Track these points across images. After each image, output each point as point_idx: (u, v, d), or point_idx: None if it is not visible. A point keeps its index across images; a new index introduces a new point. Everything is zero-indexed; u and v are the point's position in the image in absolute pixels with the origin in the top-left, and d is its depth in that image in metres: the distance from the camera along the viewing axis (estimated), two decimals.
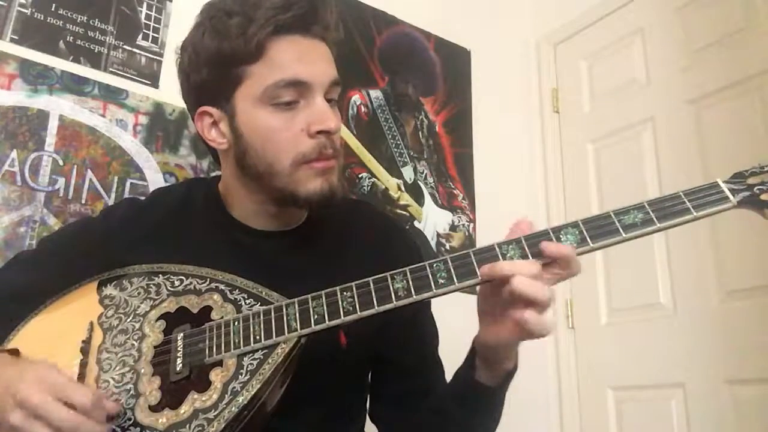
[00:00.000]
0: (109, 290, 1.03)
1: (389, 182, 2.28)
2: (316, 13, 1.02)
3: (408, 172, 2.34)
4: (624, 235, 0.80)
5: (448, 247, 2.34)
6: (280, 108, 0.99)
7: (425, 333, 1.17)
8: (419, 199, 2.34)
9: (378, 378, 1.16)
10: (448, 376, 1.06)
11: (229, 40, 0.98)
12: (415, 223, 2.29)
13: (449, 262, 0.84)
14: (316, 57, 1.02)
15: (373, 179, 2.25)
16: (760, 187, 0.80)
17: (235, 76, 0.99)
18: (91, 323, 1.00)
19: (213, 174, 1.34)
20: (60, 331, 1.02)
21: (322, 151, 1.00)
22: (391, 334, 1.09)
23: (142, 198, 1.21)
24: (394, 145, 2.34)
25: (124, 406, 0.88)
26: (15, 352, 0.97)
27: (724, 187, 0.80)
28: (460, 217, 2.43)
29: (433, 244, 2.31)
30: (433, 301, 0.93)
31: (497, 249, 0.83)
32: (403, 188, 2.31)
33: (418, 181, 2.36)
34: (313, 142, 0.99)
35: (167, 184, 1.75)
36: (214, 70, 1.01)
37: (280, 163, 0.99)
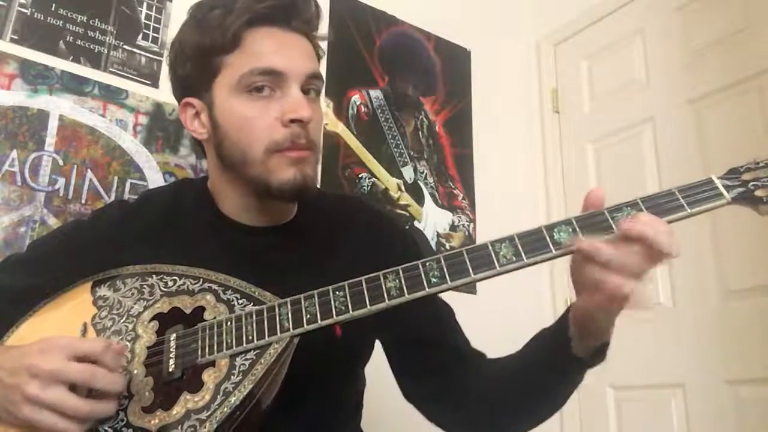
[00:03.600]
0: (103, 291, 1.03)
1: (389, 182, 2.28)
2: (295, 7, 1.03)
3: (408, 172, 2.34)
4: (616, 231, 0.80)
5: (448, 247, 2.34)
6: (254, 97, 1.00)
7: (440, 306, 1.16)
8: (419, 199, 2.34)
9: (409, 359, 1.14)
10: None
11: (208, 31, 1.01)
12: (415, 223, 2.29)
13: (442, 261, 0.84)
14: (293, 49, 1.03)
15: (373, 179, 2.25)
16: (755, 183, 0.79)
17: (213, 66, 1.02)
18: (85, 324, 1.00)
19: (201, 175, 1.34)
20: (54, 332, 1.00)
21: (295, 140, 1.00)
22: (407, 317, 1.08)
23: (132, 199, 1.21)
24: (394, 145, 2.34)
25: (117, 407, 0.88)
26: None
27: (718, 183, 0.80)
28: (460, 217, 2.43)
29: (433, 244, 2.31)
30: None
31: (490, 247, 0.83)
32: (403, 188, 2.31)
33: (418, 181, 2.36)
34: (287, 131, 1.00)
35: (162, 185, 1.76)
36: (196, 62, 1.04)
37: (252, 151, 1.00)
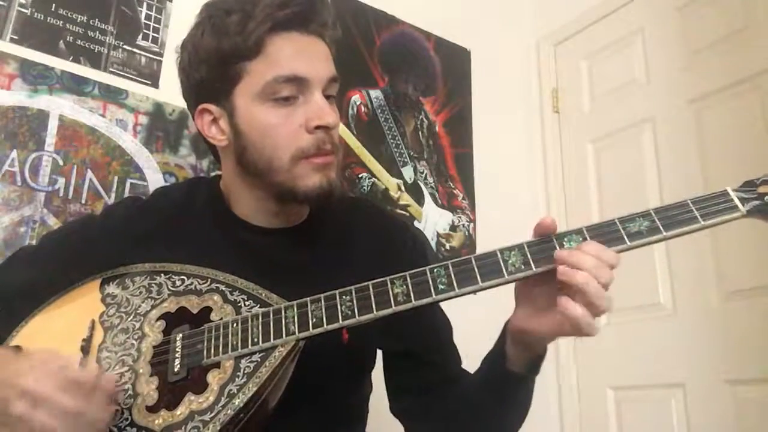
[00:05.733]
0: (111, 288, 1.04)
1: (389, 182, 2.28)
2: (314, 11, 1.03)
3: (408, 172, 2.34)
4: (628, 243, 0.80)
5: (448, 247, 2.34)
6: (278, 104, 1.00)
7: (437, 322, 1.16)
8: (419, 199, 2.34)
9: (397, 372, 1.15)
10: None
11: (227, 37, 0.99)
12: (415, 223, 2.29)
13: (450, 267, 0.83)
14: (314, 53, 1.03)
15: (373, 179, 2.25)
16: None
17: (234, 73, 1.01)
18: (93, 321, 1.00)
19: (214, 173, 1.34)
20: (62, 328, 1.02)
21: (321, 146, 1.00)
22: (402, 328, 1.08)
23: (144, 197, 1.21)
24: (394, 145, 2.34)
25: (122, 406, 0.88)
26: (17, 350, 0.97)
27: (733, 195, 0.79)
28: (460, 217, 2.42)
29: (433, 244, 2.31)
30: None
31: (499, 255, 0.82)
32: (403, 188, 2.31)
33: (418, 181, 2.36)
34: (312, 137, 1.00)
35: (168, 184, 1.75)
36: (213, 67, 1.02)
37: (279, 159, 1.00)
